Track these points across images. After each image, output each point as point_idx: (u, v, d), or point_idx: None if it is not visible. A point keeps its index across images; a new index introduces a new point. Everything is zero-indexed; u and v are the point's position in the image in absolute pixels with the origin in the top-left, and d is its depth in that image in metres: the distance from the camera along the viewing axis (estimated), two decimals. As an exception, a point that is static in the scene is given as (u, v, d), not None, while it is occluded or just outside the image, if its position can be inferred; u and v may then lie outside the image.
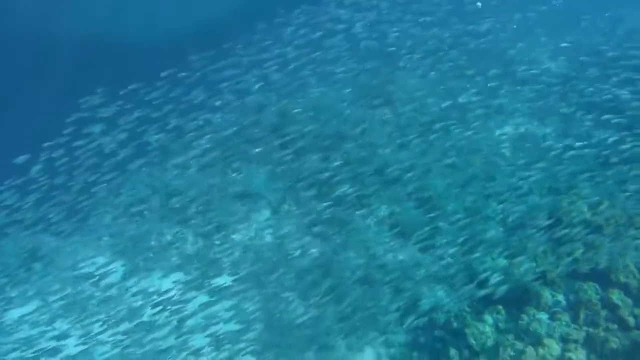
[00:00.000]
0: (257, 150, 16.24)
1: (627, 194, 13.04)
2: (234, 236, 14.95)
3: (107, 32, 27.78)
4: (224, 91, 18.13)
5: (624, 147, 14.08)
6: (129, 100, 16.79)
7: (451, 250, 12.84)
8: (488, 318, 11.70)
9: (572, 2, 26.09)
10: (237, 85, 18.20)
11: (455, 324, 11.96)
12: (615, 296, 11.30)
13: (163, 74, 17.06)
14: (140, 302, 13.54)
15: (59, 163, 15.81)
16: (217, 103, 18.05)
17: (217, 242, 14.83)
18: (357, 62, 19.71)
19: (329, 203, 14.54)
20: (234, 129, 17.57)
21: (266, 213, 15.38)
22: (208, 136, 17.38)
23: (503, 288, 11.62)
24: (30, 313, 13.49)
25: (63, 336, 12.90)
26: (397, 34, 19.99)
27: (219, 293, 13.55)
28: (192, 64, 18.19)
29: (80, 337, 12.89)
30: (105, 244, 15.20)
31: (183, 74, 17.52)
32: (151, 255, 14.68)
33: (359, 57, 19.93)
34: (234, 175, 16.31)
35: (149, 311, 13.30)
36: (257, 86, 18.26)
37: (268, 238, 14.76)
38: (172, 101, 17.06)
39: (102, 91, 16.51)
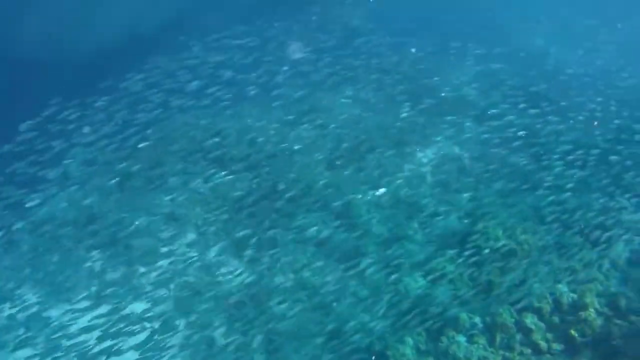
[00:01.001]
0: (181, 172, 16.03)
1: (541, 219, 13.74)
2: (157, 262, 14.51)
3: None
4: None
5: (539, 173, 14.92)
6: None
7: (374, 271, 12.98)
8: (409, 340, 11.75)
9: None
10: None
11: (377, 346, 11.90)
12: (529, 320, 11.66)
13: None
14: (58, 334, 12.86)
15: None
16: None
17: (141, 269, 14.35)
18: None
19: (256, 224, 14.47)
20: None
21: (192, 236, 15.07)
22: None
23: (423, 310, 11.80)
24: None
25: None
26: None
27: (142, 321, 13.00)
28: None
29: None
30: (21, 276, 14.43)
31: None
32: (70, 284, 14.02)
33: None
34: (156, 199, 16.00)
35: (66, 343, 12.63)
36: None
37: (193, 262, 14.37)
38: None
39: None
